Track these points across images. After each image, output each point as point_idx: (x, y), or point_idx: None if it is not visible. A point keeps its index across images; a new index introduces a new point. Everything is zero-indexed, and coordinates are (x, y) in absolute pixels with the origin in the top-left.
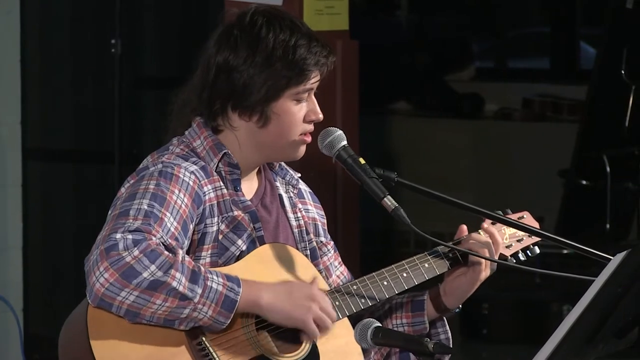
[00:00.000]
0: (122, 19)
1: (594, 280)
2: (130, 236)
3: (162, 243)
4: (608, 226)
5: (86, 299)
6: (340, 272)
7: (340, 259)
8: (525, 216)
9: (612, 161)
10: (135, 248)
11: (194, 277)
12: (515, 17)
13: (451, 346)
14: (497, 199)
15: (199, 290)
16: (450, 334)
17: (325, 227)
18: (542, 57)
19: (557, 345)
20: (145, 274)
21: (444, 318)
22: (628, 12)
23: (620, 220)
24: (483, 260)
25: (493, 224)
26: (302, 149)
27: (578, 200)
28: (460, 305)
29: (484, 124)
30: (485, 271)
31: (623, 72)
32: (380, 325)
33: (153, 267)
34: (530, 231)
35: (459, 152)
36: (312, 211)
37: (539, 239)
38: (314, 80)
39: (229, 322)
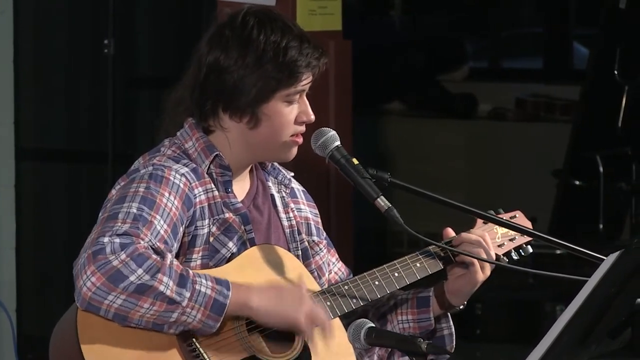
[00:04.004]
0: (115, 18)
1: (587, 281)
2: (117, 240)
3: (150, 247)
4: (601, 226)
5: (75, 302)
6: (338, 268)
7: (337, 255)
8: (517, 215)
9: (605, 161)
10: (122, 252)
11: (182, 281)
12: (508, 17)
13: (454, 342)
14: (491, 199)
15: (187, 294)
16: (453, 330)
17: (319, 226)
18: (535, 57)
19: (550, 346)
20: (132, 278)
21: (448, 314)
22: (621, 12)
23: (613, 221)
24: (477, 262)
25: (485, 223)
26: (294, 151)
27: (571, 200)
28: (465, 302)
29: (477, 124)
30: (484, 272)
31: (616, 72)
32: (374, 325)
33: (140, 271)
34: (523, 231)
35: (453, 152)
36: (305, 210)
37: (532, 237)
38: (305, 82)
39: (218, 325)
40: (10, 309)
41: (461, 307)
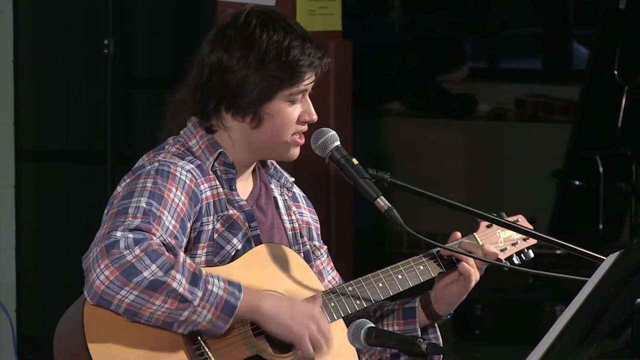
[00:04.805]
0: (114, 19)
1: (586, 281)
2: (131, 235)
3: (162, 243)
4: (601, 226)
5: (82, 296)
6: (332, 277)
7: (332, 264)
8: (519, 220)
9: (604, 161)
10: (137, 247)
11: (194, 279)
12: (507, 18)
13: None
14: (490, 199)
15: (199, 293)
16: (440, 339)
17: (319, 232)
18: (534, 58)
19: (550, 346)
20: (145, 273)
21: (436, 324)
22: (620, 13)
23: (613, 221)
24: (473, 268)
25: (488, 227)
26: (296, 150)
27: (571, 200)
28: (452, 312)
29: (476, 125)
30: (475, 276)
31: (616, 72)
32: (374, 325)
33: (154, 267)
34: (522, 232)
35: (452, 152)
36: (306, 215)
37: (534, 242)
38: (307, 82)
39: (227, 327)
40: (10, 309)
41: (448, 316)
